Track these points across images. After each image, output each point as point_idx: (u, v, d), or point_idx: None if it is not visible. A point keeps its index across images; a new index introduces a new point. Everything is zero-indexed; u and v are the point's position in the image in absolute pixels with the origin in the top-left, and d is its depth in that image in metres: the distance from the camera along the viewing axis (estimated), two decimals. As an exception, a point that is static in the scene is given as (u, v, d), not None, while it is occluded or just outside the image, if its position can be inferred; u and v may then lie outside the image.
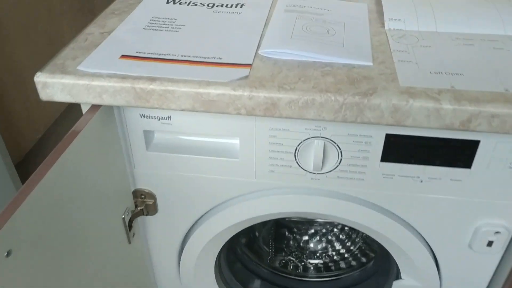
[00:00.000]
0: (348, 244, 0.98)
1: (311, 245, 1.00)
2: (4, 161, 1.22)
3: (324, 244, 0.99)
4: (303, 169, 0.63)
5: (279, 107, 0.53)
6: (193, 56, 0.58)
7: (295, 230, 1.01)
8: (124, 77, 0.55)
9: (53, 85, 0.55)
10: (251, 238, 0.97)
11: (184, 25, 0.65)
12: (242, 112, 0.54)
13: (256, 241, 0.98)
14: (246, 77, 0.54)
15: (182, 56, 0.58)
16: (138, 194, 0.69)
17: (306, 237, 1.00)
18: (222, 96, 0.53)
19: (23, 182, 1.35)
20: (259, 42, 0.61)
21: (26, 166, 1.50)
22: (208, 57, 0.57)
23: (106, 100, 0.56)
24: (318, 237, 1.00)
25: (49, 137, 1.64)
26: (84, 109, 0.60)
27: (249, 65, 0.56)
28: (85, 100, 0.56)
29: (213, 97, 0.53)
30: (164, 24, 0.66)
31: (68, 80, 0.55)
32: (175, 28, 0.65)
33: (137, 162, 0.66)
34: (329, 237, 1.00)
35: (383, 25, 0.66)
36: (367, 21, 0.67)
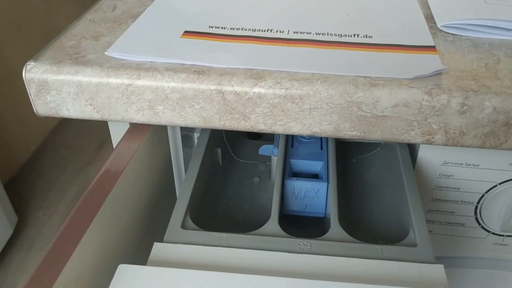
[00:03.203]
0: None
1: None
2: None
3: None
4: (485, 229, 0.37)
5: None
6: (317, 33, 0.31)
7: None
8: (200, 71, 0.28)
9: (58, 86, 0.29)
10: None
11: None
12: (437, 139, 0.28)
13: None
14: (441, 72, 0.28)
15: (298, 32, 0.31)
16: None
17: None
18: (402, 106, 0.27)
19: (13, 203, 1.09)
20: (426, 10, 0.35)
21: (19, 184, 1.23)
22: (347, 35, 0.31)
23: (163, 116, 0.29)
24: None
25: (44, 152, 1.37)
26: (116, 135, 0.34)
27: (433, 48, 0.30)
28: (122, 116, 0.30)
29: (382, 108, 0.27)
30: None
31: (88, 76, 0.28)
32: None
33: None
34: None
35: None
36: None
